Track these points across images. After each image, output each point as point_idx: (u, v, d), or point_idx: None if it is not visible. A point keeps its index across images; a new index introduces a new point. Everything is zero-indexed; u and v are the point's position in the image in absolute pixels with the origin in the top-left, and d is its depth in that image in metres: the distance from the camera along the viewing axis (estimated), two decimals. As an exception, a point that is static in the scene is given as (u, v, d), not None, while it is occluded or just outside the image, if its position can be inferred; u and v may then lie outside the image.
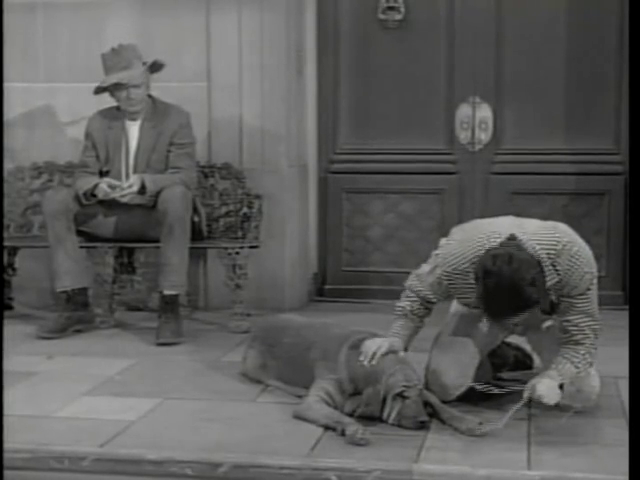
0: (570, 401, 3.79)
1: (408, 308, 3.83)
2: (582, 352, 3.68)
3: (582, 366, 3.70)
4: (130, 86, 5.18)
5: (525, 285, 3.39)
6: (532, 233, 3.60)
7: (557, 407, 3.72)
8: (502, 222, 3.73)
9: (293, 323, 4.24)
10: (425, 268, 3.84)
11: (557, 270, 3.56)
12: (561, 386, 3.67)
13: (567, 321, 3.68)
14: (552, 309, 3.69)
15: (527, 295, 3.41)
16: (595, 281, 3.67)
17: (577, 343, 3.68)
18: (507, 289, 3.39)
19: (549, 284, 3.54)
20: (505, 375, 4.19)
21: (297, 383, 3.98)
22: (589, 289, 3.64)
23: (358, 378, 3.71)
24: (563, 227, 3.70)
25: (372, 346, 3.71)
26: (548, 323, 3.79)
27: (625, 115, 5.44)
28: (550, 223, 3.73)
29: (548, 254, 3.55)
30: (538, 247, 3.54)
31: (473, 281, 3.52)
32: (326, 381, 3.77)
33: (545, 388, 3.62)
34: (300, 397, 3.87)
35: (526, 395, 3.65)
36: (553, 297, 3.62)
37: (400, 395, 3.61)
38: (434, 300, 3.82)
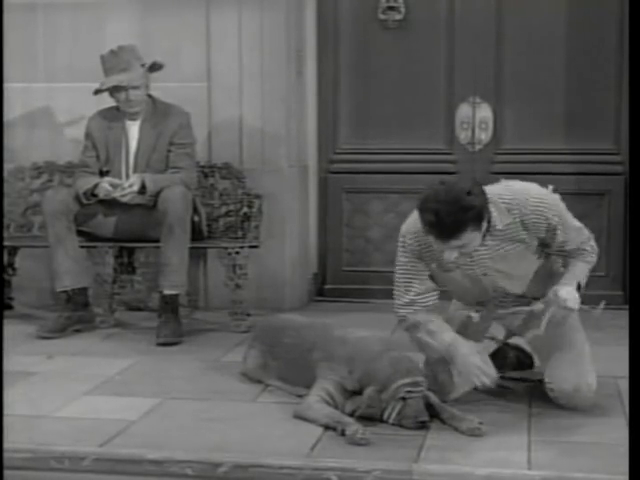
0: (568, 401, 3.79)
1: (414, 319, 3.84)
2: (585, 248, 3.83)
3: (590, 258, 3.83)
4: (129, 88, 5.18)
5: (461, 194, 3.48)
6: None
7: (557, 405, 3.74)
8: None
9: (293, 323, 4.24)
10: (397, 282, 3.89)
11: (520, 210, 3.67)
12: (579, 288, 3.74)
13: (564, 247, 3.81)
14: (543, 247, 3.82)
15: (465, 203, 3.47)
16: (565, 209, 3.79)
17: (581, 250, 3.82)
18: (443, 201, 3.46)
19: (508, 221, 3.65)
20: (506, 375, 4.19)
21: (297, 383, 3.98)
22: (561, 217, 3.76)
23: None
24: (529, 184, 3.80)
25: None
26: (545, 323, 3.79)
27: (625, 115, 5.44)
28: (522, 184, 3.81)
29: (510, 197, 3.69)
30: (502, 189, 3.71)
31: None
32: (327, 381, 3.77)
33: (566, 292, 3.69)
34: (300, 397, 3.87)
35: (551, 297, 3.70)
36: (531, 244, 3.74)
37: (402, 397, 3.62)
38: (425, 293, 3.83)
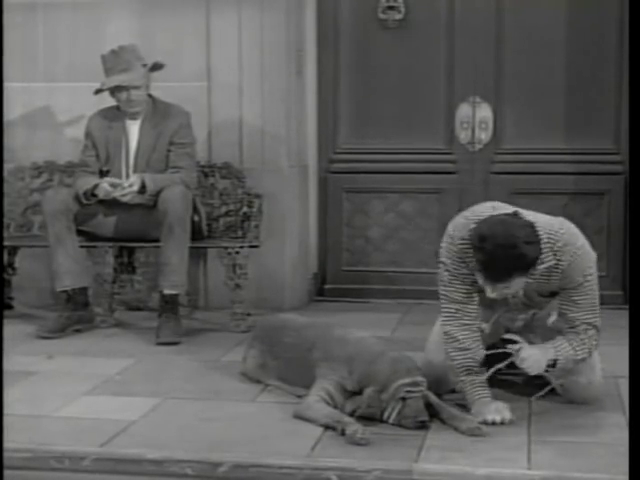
0: (579, 394, 3.83)
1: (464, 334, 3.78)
2: (582, 337, 3.71)
3: (580, 350, 3.71)
4: (131, 88, 5.18)
5: (519, 242, 3.43)
6: (536, 217, 3.66)
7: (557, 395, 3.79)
8: (506, 206, 3.77)
9: (293, 323, 4.24)
10: (442, 287, 3.80)
11: (556, 255, 3.59)
12: (554, 364, 3.68)
13: (568, 313, 3.71)
14: (552, 295, 3.76)
15: (522, 251, 3.42)
16: (595, 277, 3.70)
17: (578, 333, 3.71)
18: (501, 245, 3.41)
19: (546, 265, 3.57)
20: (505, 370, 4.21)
21: (297, 383, 3.98)
22: (588, 282, 3.67)
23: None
24: (569, 223, 3.73)
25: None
26: (553, 318, 3.81)
27: (625, 115, 5.44)
28: (557, 218, 3.75)
29: (549, 237, 3.58)
30: (539, 226, 3.57)
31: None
32: (327, 381, 3.77)
33: (529, 355, 3.64)
34: (300, 397, 3.87)
35: (515, 348, 3.67)
36: (554, 285, 3.67)
37: (402, 397, 3.62)
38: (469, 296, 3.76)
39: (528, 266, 3.49)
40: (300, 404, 3.79)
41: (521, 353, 3.65)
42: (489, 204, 3.76)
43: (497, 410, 3.68)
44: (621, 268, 5.83)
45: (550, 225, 3.65)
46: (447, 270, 3.74)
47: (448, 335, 3.77)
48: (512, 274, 3.48)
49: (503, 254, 3.42)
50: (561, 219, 3.74)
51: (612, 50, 5.78)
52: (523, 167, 5.93)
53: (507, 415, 3.67)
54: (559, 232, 3.64)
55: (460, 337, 3.75)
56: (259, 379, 4.22)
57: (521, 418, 3.72)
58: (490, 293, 3.58)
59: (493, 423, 3.62)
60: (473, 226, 3.60)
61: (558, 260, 3.62)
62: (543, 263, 3.58)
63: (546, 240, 3.58)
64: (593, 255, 3.71)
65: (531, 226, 3.53)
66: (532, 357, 3.66)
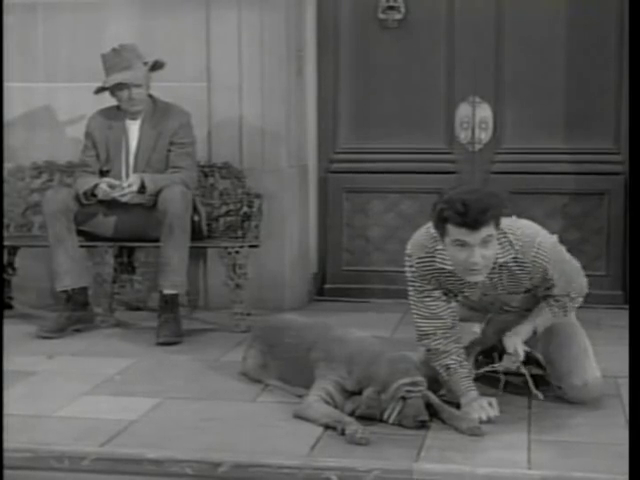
0: (576, 395, 3.83)
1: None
2: (566, 306, 3.84)
3: (559, 314, 3.85)
4: (132, 86, 5.18)
5: (482, 190, 3.63)
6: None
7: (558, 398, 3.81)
8: None
9: (293, 323, 4.24)
10: (412, 303, 3.86)
11: (513, 247, 3.67)
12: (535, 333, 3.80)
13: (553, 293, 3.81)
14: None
15: (487, 193, 3.58)
16: (564, 254, 3.79)
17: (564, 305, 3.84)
18: (467, 192, 3.57)
19: (505, 259, 3.65)
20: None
21: (297, 383, 3.98)
22: (563, 267, 3.76)
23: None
24: (527, 221, 3.83)
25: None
26: (541, 328, 3.85)
27: (625, 115, 5.44)
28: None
29: (508, 230, 3.68)
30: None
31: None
32: (327, 381, 3.77)
33: (512, 344, 3.79)
34: (300, 397, 3.87)
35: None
36: (525, 282, 3.74)
37: (402, 397, 3.62)
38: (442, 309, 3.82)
39: (498, 207, 3.55)
40: (300, 404, 3.79)
41: (506, 343, 3.78)
42: None
43: (482, 407, 3.69)
44: (621, 268, 5.83)
45: (521, 224, 3.76)
46: (413, 287, 3.81)
47: (426, 348, 3.85)
48: (486, 213, 3.49)
49: (471, 196, 3.52)
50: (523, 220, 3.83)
51: (612, 50, 5.78)
52: (523, 167, 5.93)
53: (492, 412, 3.68)
54: (518, 228, 3.72)
55: (437, 346, 3.79)
56: (259, 379, 4.22)
57: (521, 418, 3.73)
58: (475, 258, 3.55)
59: (480, 421, 3.63)
60: (427, 240, 3.72)
61: (517, 253, 3.67)
62: (504, 257, 3.65)
63: (505, 231, 3.66)
64: (557, 246, 3.77)
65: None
66: (513, 346, 3.79)
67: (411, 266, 3.79)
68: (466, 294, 3.80)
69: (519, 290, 3.79)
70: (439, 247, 3.66)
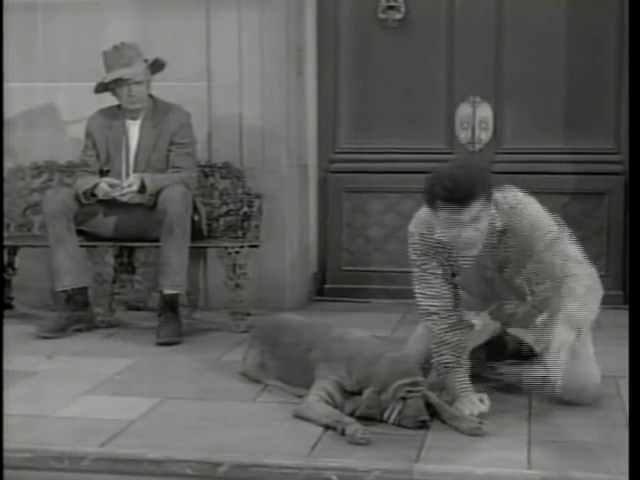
0: (574, 398, 3.82)
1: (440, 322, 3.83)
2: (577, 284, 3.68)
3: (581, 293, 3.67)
4: (132, 83, 5.18)
5: (471, 167, 3.63)
6: None
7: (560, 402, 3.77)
8: None
9: (293, 323, 4.24)
10: (415, 283, 3.86)
11: (504, 213, 3.69)
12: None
13: (550, 270, 3.73)
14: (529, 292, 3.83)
15: (475, 169, 3.59)
16: (559, 236, 3.75)
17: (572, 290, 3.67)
18: (456, 167, 3.62)
19: (497, 224, 3.66)
20: (502, 365, 4.23)
21: (297, 383, 3.98)
22: (554, 240, 3.72)
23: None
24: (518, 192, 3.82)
25: None
26: (544, 317, 3.82)
27: (625, 115, 5.44)
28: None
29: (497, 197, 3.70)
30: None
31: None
32: (326, 381, 3.77)
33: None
34: (300, 397, 3.87)
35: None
36: (516, 250, 3.72)
37: (402, 397, 3.62)
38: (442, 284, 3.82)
39: (486, 183, 3.56)
40: (300, 404, 3.79)
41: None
42: None
43: (473, 403, 3.70)
44: (621, 268, 5.82)
45: (515, 192, 3.78)
46: (417, 266, 3.83)
47: (428, 329, 3.87)
48: (474, 190, 3.50)
49: (454, 171, 3.55)
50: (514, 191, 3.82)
51: (612, 50, 5.78)
52: (523, 167, 5.93)
53: (483, 407, 3.70)
54: (506, 196, 3.74)
55: (438, 332, 3.80)
56: (259, 379, 4.22)
57: (521, 418, 3.72)
58: (454, 236, 3.58)
59: (472, 416, 3.65)
60: (428, 215, 3.69)
61: (509, 218, 3.69)
62: (502, 221, 3.67)
63: (506, 203, 3.70)
64: (548, 218, 3.77)
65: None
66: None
67: (414, 243, 3.81)
68: (466, 267, 3.79)
69: (514, 258, 3.78)
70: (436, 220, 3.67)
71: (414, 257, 3.83)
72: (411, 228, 3.86)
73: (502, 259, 3.79)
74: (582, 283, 3.67)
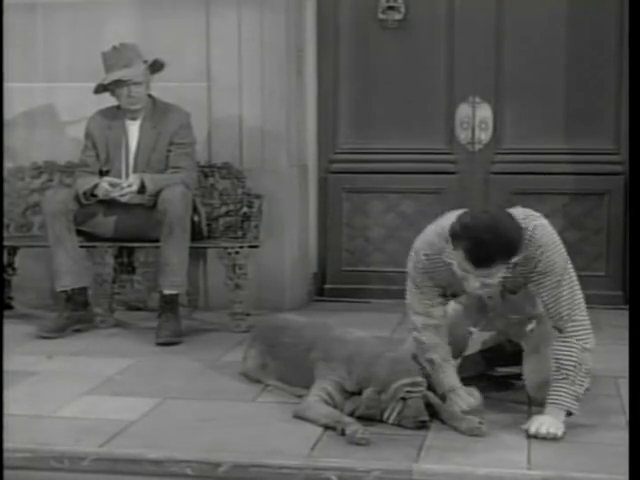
0: (536, 392, 3.81)
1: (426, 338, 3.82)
2: (575, 345, 3.59)
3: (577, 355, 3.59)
4: (131, 83, 5.18)
5: (504, 227, 3.43)
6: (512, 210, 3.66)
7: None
8: None
9: (293, 323, 4.24)
10: (408, 296, 3.84)
11: (530, 241, 3.57)
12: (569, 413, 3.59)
13: (552, 308, 3.63)
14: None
15: (507, 235, 3.41)
16: (570, 272, 3.63)
17: (566, 333, 3.60)
18: (487, 228, 3.39)
19: (522, 254, 3.53)
20: (501, 370, 4.23)
21: (297, 383, 3.98)
22: (566, 278, 3.61)
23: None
24: (543, 219, 3.71)
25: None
26: (532, 326, 3.86)
27: (625, 115, 5.44)
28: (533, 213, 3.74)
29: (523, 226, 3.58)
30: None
31: (447, 258, 3.55)
32: (326, 381, 3.77)
33: (541, 423, 3.54)
34: (300, 397, 3.87)
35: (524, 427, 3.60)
36: (530, 281, 3.64)
37: (402, 397, 3.62)
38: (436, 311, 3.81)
39: (512, 251, 3.46)
40: (300, 404, 3.79)
41: (531, 429, 3.54)
42: (452, 214, 3.68)
43: (460, 397, 3.70)
44: (621, 268, 5.83)
45: (524, 214, 3.65)
46: (412, 282, 3.80)
47: (415, 340, 3.85)
48: (496, 259, 3.43)
49: (489, 237, 3.38)
50: (536, 214, 3.72)
51: (612, 50, 5.79)
52: (523, 167, 5.94)
53: (473, 401, 3.70)
54: (531, 223, 3.61)
55: (424, 339, 3.80)
56: (259, 379, 4.22)
57: (521, 418, 3.72)
58: (470, 286, 3.54)
59: (462, 411, 3.65)
60: (437, 239, 3.63)
61: (533, 250, 3.58)
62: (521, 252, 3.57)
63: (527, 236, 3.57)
64: (565, 254, 3.66)
65: (511, 216, 3.54)
66: (546, 424, 3.55)
67: (417, 262, 3.75)
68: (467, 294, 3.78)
69: (520, 285, 3.75)
70: (448, 249, 3.58)
71: (413, 274, 3.78)
72: (417, 246, 3.77)
73: (509, 287, 3.76)
74: (574, 354, 3.58)
